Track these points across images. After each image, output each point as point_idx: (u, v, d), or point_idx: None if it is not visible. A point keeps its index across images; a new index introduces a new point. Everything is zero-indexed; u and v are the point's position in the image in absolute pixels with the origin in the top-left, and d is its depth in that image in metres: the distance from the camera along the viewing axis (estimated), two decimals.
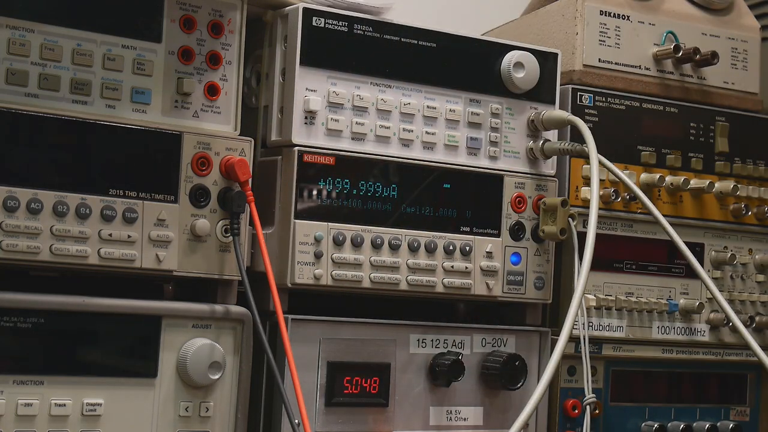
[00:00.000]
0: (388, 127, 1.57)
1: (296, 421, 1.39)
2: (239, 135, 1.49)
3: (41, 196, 1.34)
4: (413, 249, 1.57)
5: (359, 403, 1.54)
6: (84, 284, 1.44)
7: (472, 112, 1.63)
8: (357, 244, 1.53)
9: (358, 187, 1.55)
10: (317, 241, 1.51)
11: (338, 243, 1.52)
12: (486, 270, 1.62)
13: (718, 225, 1.84)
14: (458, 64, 1.63)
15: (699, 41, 1.84)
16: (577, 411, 1.70)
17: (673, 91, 1.83)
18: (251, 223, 1.47)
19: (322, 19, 1.53)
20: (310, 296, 1.55)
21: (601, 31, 1.77)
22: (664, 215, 1.67)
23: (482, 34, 1.80)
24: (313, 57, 1.52)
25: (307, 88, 1.52)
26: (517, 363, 1.61)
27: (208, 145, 1.45)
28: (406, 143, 1.59)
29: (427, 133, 1.60)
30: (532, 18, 1.86)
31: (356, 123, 1.55)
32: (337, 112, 1.54)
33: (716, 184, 1.81)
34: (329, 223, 1.52)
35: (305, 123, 1.52)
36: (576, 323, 1.60)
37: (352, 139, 1.55)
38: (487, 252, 1.63)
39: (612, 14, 1.78)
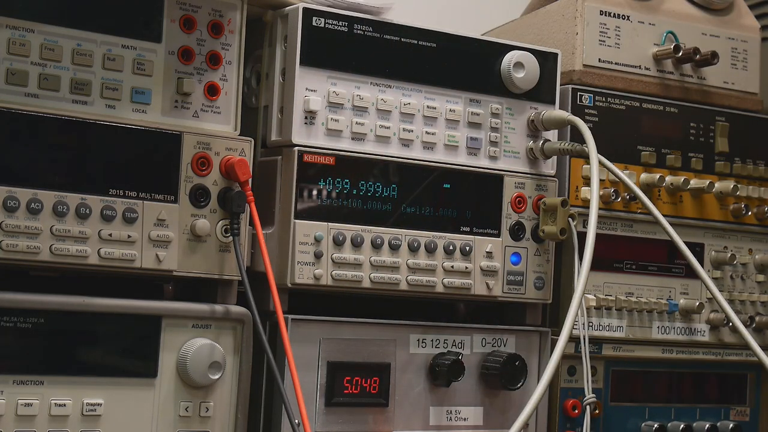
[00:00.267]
0: (388, 127, 1.57)
1: (296, 421, 1.39)
2: (239, 135, 1.49)
3: (41, 196, 1.34)
4: (413, 249, 1.57)
5: (359, 403, 1.54)
6: (84, 284, 1.44)
7: (472, 112, 1.63)
8: (357, 244, 1.53)
9: (358, 187, 1.55)
10: (317, 241, 1.51)
11: (338, 243, 1.52)
12: (486, 270, 1.62)
13: (718, 225, 1.84)
14: (458, 64, 1.63)
15: (699, 41, 1.84)
16: (577, 411, 1.70)
17: (673, 91, 1.83)
18: (251, 223, 1.47)
19: (322, 19, 1.53)
20: (310, 296, 1.55)
21: (601, 31, 1.77)
22: (664, 215, 1.67)
23: (482, 34, 1.80)
24: (313, 57, 1.52)
25: (307, 88, 1.52)
26: (517, 363, 1.61)
27: (208, 145, 1.45)
28: (406, 143, 1.59)
29: (427, 133, 1.60)
30: (532, 18, 1.86)
31: (356, 123, 1.55)
32: (337, 112, 1.54)
33: (716, 184, 1.81)
34: (329, 223, 1.52)
35: (305, 123, 1.52)
36: (576, 323, 1.60)
37: (352, 139, 1.55)
38: (487, 252, 1.63)
39: (612, 14, 1.78)
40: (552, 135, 1.69)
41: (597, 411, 1.73)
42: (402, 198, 1.58)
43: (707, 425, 1.80)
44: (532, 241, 1.67)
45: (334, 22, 1.54)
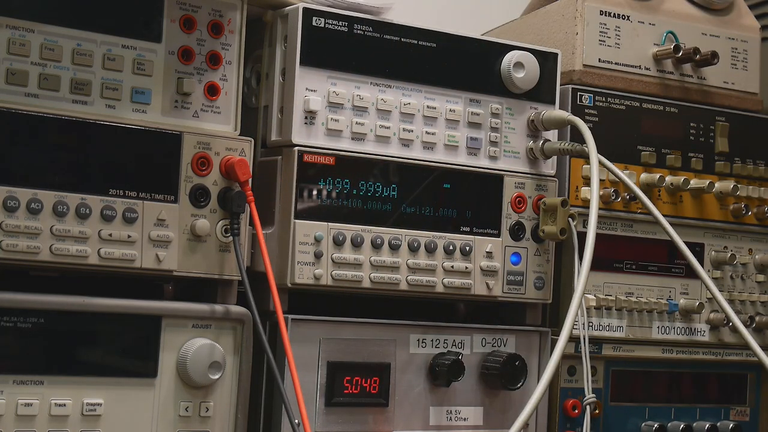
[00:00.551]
0: (388, 127, 1.57)
1: (296, 421, 1.39)
2: (239, 135, 1.49)
3: (41, 196, 1.34)
4: (413, 249, 1.57)
5: (359, 403, 1.54)
6: (84, 284, 1.44)
7: (472, 112, 1.63)
8: (357, 244, 1.53)
9: (358, 187, 1.55)
10: (317, 241, 1.51)
11: (338, 243, 1.52)
12: (486, 270, 1.62)
13: (718, 225, 1.84)
14: (458, 64, 1.63)
15: (699, 41, 1.84)
16: (577, 411, 1.70)
17: (673, 91, 1.83)
18: (251, 223, 1.47)
19: (322, 19, 1.53)
20: (310, 296, 1.55)
21: (601, 31, 1.77)
22: (664, 215, 1.67)
23: (482, 34, 1.80)
24: (313, 57, 1.52)
25: (307, 88, 1.52)
26: (517, 363, 1.61)
27: (208, 145, 1.45)
28: (406, 143, 1.59)
29: (427, 133, 1.60)
30: (532, 18, 1.86)
31: (356, 123, 1.55)
32: (337, 112, 1.54)
33: (716, 184, 1.81)
34: (329, 223, 1.52)
35: (305, 123, 1.52)
36: (576, 323, 1.60)
37: (352, 139, 1.55)
38: (487, 252, 1.63)
39: (612, 14, 1.78)
40: (552, 135, 1.69)
41: (597, 411, 1.73)
42: (402, 198, 1.58)
43: (707, 425, 1.80)
44: (532, 241, 1.67)
45: (334, 22, 1.54)
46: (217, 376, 1.43)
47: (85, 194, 1.37)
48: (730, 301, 1.82)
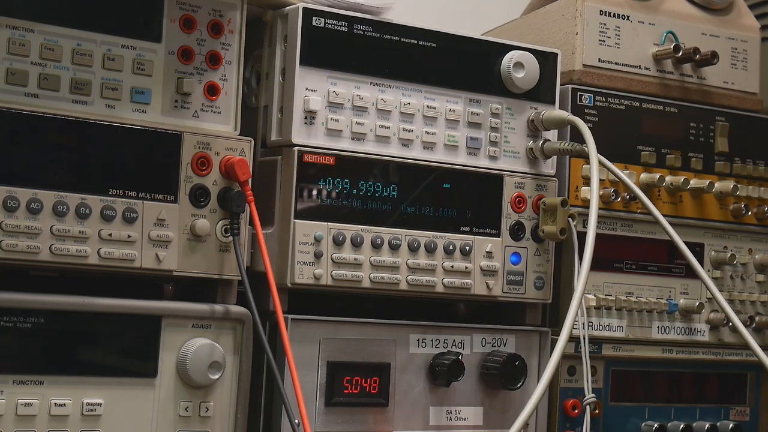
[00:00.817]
0: (388, 127, 1.57)
1: (296, 421, 1.39)
2: (239, 135, 1.48)
3: (41, 196, 1.34)
4: (413, 249, 1.57)
5: (359, 403, 1.54)
6: (84, 284, 1.44)
7: (472, 112, 1.63)
8: (357, 244, 1.53)
9: (358, 187, 1.55)
10: (317, 241, 1.51)
11: (338, 243, 1.52)
12: (486, 270, 1.62)
13: (718, 225, 1.84)
14: (458, 64, 1.63)
15: (699, 41, 1.84)
16: (577, 411, 1.70)
17: (673, 91, 1.83)
18: (251, 223, 1.47)
19: (322, 19, 1.53)
20: (310, 296, 1.55)
21: (601, 31, 1.77)
22: (664, 215, 1.67)
23: (482, 34, 1.80)
24: (313, 57, 1.52)
25: (307, 88, 1.52)
26: (517, 363, 1.61)
27: (208, 145, 1.45)
28: (406, 143, 1.59)
29: (427, 133, 1.60)
30: (532, 18, 1.86)
31: (356, 123, 1.55)
32: (337, 112, 1.54)
33: (716, 184, 1.81)
34: (329, 223, 1.52)
35: (305, 123, 1.52)
36: (576, 323, 1.60)
37: (352, 139, 1.55)
38: (487, 252, 1.63)
39: (612, 14, 1.78)
40: (552, 135, 1.69)
41: (597, 411, 1.73)
42: (402, 198, 1.58)
43: (707, 425, 1.80)
44: (532, 241, 1.67)
45: (334, 22, 1.54)
46: (217, 376, 1.43)
47: (85, 194, 1.37)
48: (730, 301, 1.82)
